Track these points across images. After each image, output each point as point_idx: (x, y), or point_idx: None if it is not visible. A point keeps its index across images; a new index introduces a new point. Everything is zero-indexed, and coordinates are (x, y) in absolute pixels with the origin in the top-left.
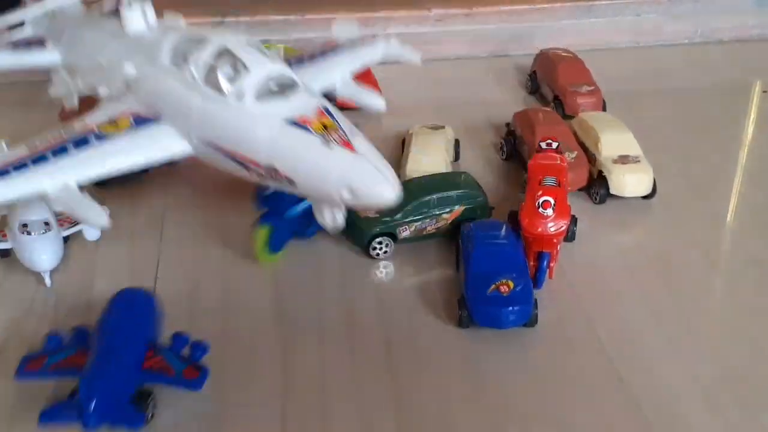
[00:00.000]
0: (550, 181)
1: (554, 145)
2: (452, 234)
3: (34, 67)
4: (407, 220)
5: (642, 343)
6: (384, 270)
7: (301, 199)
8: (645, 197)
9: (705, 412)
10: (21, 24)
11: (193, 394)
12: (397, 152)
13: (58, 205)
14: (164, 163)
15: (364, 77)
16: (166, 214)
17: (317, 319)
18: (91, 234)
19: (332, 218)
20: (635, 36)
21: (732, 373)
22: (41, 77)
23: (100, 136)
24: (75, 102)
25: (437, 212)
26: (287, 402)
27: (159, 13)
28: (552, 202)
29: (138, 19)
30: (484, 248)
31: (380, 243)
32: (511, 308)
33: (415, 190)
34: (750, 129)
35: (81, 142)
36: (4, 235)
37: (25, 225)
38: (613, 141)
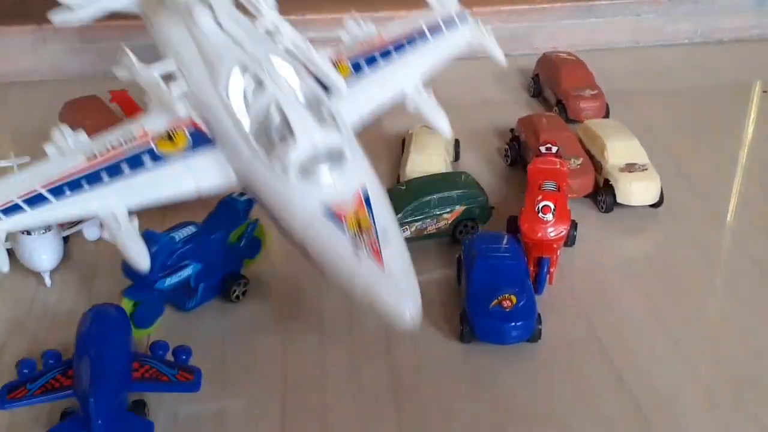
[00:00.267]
0: (549, 185)
1: (554, 149)
2: (452, 234)
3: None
4: (408, 220)
5: (642, 344)
6: None
7: (174, 269)
8: (652, 206)
9: (705, 412)
10: None
11: (190, 395)
12: (397, 152)
13: (106, 232)
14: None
15: None
16: (166, 214)
17: (317, 319)
18: (91, 234)
19: None
20: (635, 36)
21: (732, 373)
22: (41, 77)
23: (156, 157)
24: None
25: (438, 212)
26: (287, 402)
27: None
28: (552, 207)
29: (207, 17)
30: (485, 262)
31: None
32: (513, 324)
33: (415, 190)
34: (750, 129)
35: (136, 161)
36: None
37: None
38: (620, 149)
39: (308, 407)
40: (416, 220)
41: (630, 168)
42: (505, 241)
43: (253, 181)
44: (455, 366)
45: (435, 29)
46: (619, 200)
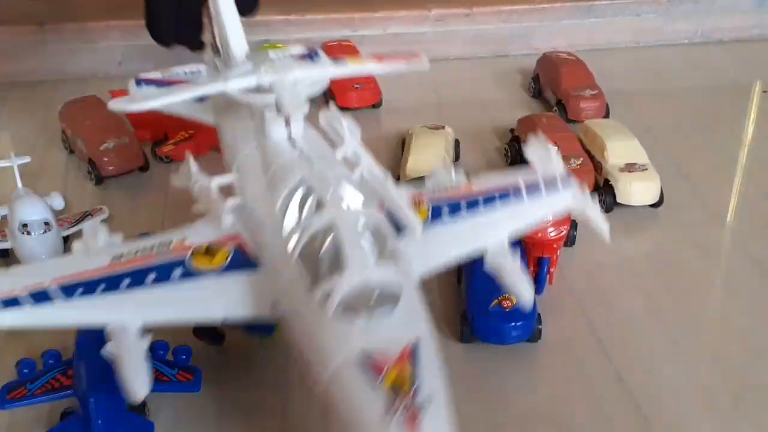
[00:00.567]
0: None
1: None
2: None
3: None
4: None
5: (642, 344)
6: None
7: None
8: (652, 206)
9: (705, 412)
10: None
11: (190, 395)
12: (397, 152)
13: (112, 344)
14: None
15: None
16: (166, 214)
17: None
18: None
19: None
20: (635, 36)
21: (732, 372)
22: (40, 77)
23: (187, 273)
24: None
25: None
26: (287, 402)
27: None
28: None
29: (280, 128)
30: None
31: None
32: (513, 324)
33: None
34: (750, 129)
35: (163, 273)
36: (4, 235)
37: (25, 225)
38: (620, 149)
39: (309, 406)
40: None
41: (630, 168)
42: None
43: (288, 309)
44: (455, 366)
45: (533, 189)
46: (619, 200)
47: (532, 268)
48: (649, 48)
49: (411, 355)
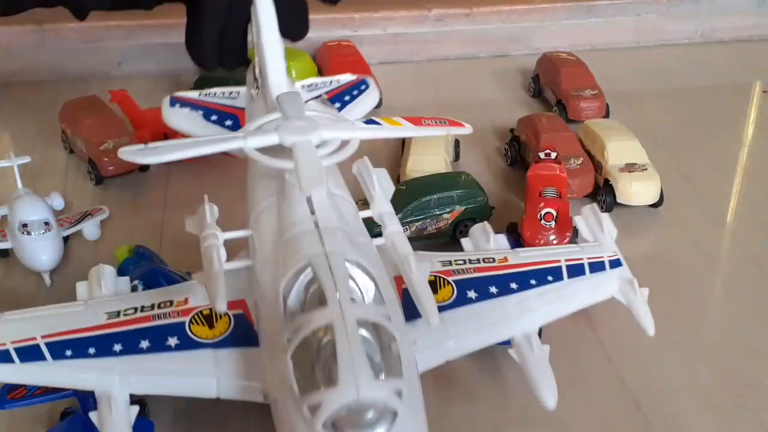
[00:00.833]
0: (550, 192)
1: (553, 155)
2: (453, 234)
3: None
4: (408, 220)
5: (642, 344)
6: None
7: None
8: (652, 206)
9: (705, 412)
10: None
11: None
12: (397, 152)
13: (96, 414)
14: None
15: (363, 72)
16: (166, 214)
17: None
18: (91, 234)
19: None
20: (635, 36)
21: (732, 372)
22: (40, 77)
23: (184, 342)
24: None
25: (438, 212)
26: None
27: None
28: (554, 214)
29: (299, 193)
30: None
31: None
32: None
33: (415, 190)
34: (750, 129)
35: (158, 340)
36: (4, 235)
37: (25, 225)
38: (620, 149)
39: None
40: (416, 220)
41: (630, 168)
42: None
43: (277, 408)
44: (455, 366)
45: (575, 270)
46: (619, 200)
47: None
48: (649, 48)
49: None
